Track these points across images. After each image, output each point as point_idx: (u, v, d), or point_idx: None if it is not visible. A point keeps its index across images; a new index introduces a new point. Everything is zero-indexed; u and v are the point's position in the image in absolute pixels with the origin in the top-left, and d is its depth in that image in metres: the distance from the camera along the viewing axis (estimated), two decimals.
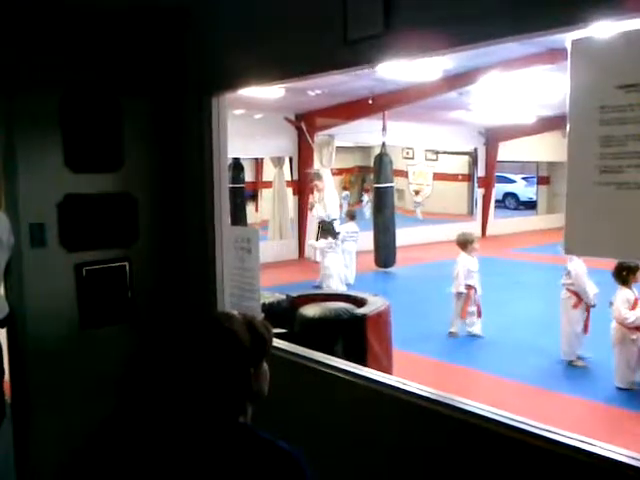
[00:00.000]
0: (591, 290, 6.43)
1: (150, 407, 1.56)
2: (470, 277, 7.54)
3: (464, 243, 7.73)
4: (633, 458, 1.77)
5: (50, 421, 3.07)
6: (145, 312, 3.36)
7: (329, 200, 10.49)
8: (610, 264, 5.95)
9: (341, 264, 10.13)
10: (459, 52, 2.20)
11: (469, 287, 7.50)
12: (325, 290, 8.54)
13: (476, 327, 7.51)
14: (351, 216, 11.57)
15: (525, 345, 7.20)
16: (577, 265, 6.44)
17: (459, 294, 7.51)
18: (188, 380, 1.49)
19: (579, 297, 6.48)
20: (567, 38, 1.74)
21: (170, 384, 1.51)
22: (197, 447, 1.46)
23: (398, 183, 17.41)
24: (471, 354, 7.18)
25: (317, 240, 10.23)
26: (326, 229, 10.05)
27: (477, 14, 1.90)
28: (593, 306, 6.46)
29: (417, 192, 22.59)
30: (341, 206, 18.93)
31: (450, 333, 7.60)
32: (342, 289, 9.41)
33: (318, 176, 10.80)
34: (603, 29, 1.67)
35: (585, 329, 6.51)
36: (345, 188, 24.16)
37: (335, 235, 10.03)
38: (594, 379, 6.25)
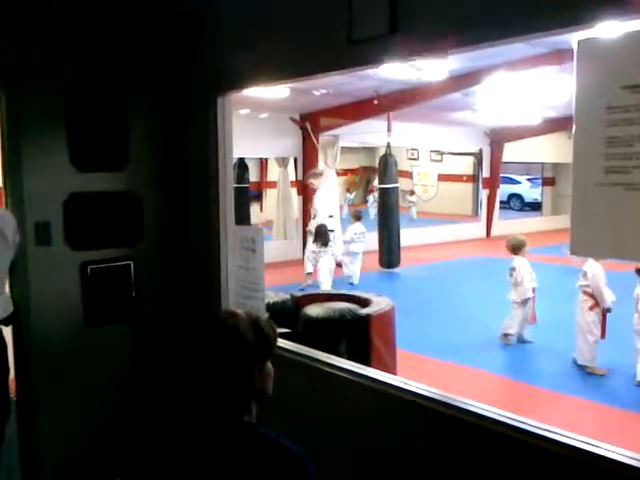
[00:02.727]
0: (608, 295, 6.34)
1: (156, 405, 1.57)
2: (532, 280, 7.28)
3: (518, 247, 7.38)
4: (633, 458, 1.77)
5: (54, 419, 3.08)
6: (149, 311, 3.37)
7: (319, 200, 10.44)
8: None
9: (332, 266, 10.13)
10: (464, 53, 2.20)
11: (532, 290, 7.25)
12: (326, 290, 8.53)
13: (527, 332, 7.40)
14: (357, 217, 11.52)
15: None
16: (594, 266, 6.35)
17: (526, 300, 7.21)
18: (193, 378, 1.50)
19: (595, 300, 6.38)
20: (573, 38, 1.74)
21: (175, 382, 1.51)
22: (202, 445, 1.46)
23: (402, 184, 17.39)
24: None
25: (312, 242, 10.21)
26: (320, 234, 10.00)
27: (482, 15, 1.90)
28: (608, 310, 6.37)
29: (412, 192, 22.53)
30: (341, 207, 18.91)
31: (504, 336, 7.36)
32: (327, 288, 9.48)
33: (315, 175, 10.74)
34: (609, 29, 1.67)
35: (602, 334, 6.42)
36: (348, 190, 24.11)
37: (327, 243, 10.00)
38: None
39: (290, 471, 1.44)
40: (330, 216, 10.27)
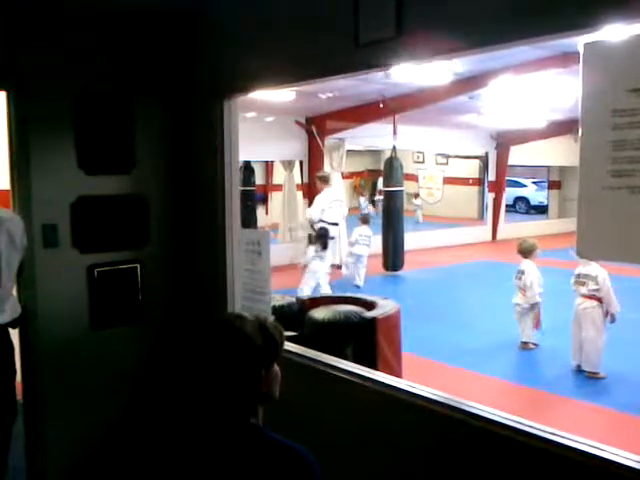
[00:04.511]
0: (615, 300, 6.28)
1: (162, 407, 1.57)
2: (540, 285, 7.18)
3: (529, 250, 7.29)
4: (636, 461, 1.77)
5: (61, 421, 3.09)
6: (155, 314, 3.38)
7: (316, 202, 10.35)
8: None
9: (324, 271, 10.04)
10: (471, 55, 2.20)
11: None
12: (328, 293, 8.48)
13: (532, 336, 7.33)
14: (365, 220, 11.54)
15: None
16: (601, 270, 6.26)
17: (534, 305, 7.11)
18: (199, 380, 1.50)
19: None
20: (579, 41, 1.74)
21: (181, 385, 1.51)
22: (208, 447, 1.46)
23: (408, 187, 17.37)
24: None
25: (310, 243, 10.11)
26: (319, 236, 9.89)
27: (489, 17, 1.90)
28: (612, 317, 6.32)
29: (416, 195, 22.50)
30: (356, 209, 18.89)
31: (524, 344, 7.26)
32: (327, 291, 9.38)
33: (322, 178, 10.70)
34: (615, 33, 1.67)
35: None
36: (361, 194, 24.12)
37: (325, 245, 9.91)
38: None
39: (297, 473, 1.44)
40: (335, 224, 10.16)
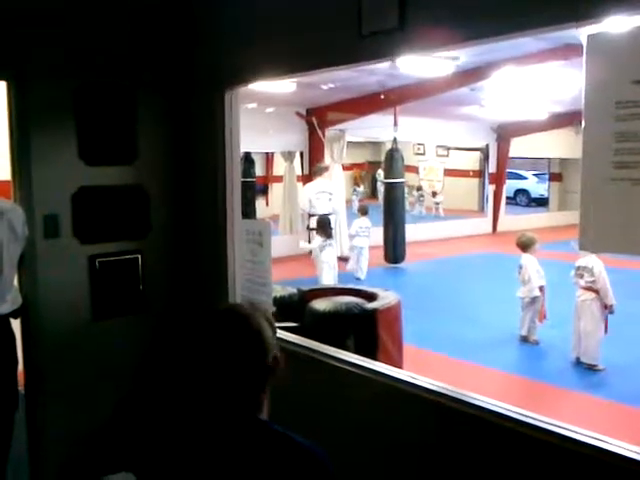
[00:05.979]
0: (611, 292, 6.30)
1: (167, 401, 1.55)
2: (541, 278, 7.22)
3: (528, 244, 7.31)
4: (635, 452, 1.77)
5: (62, 411, 3.10)
6: (157, 304, 3.38)
7: (302, 193, 10.33)
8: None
9: (335, 259, 10.05)
10: (473, 46, 2.20)
11: (540, 288, 7.17)
12: (329, 285, 8.47)
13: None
14: (363, 211, 11.51)
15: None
16: (598, 262, 6.29)
17: (534, 299, 7.15)
18: (209, 374, 1.46)
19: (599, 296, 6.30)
20: (582, 33, 1.73)
21: (189, 378, 1.49)
22: (216, 442, 1.44)
23: (409, 179, 17.35)
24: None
25: (313, 236, 10.11)
26: (321, 226, 9.89)
27: (492, 8, 1.90)
28: (611, 308, 6.32)
29: (434, 194, 22.45)
30: (348, 202, 18.88)
31: (523, 338, 7.29)
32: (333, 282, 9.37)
33: (319, 169, 10.63)
34: (619, 24, 1.67)
35: (605, 329, 6.37)
36: (357, 184, 24.14)
37: (329, 234, 9.91)
38: None
39: (308, 468, 1.41)
40: (329, 214, 10.15)
